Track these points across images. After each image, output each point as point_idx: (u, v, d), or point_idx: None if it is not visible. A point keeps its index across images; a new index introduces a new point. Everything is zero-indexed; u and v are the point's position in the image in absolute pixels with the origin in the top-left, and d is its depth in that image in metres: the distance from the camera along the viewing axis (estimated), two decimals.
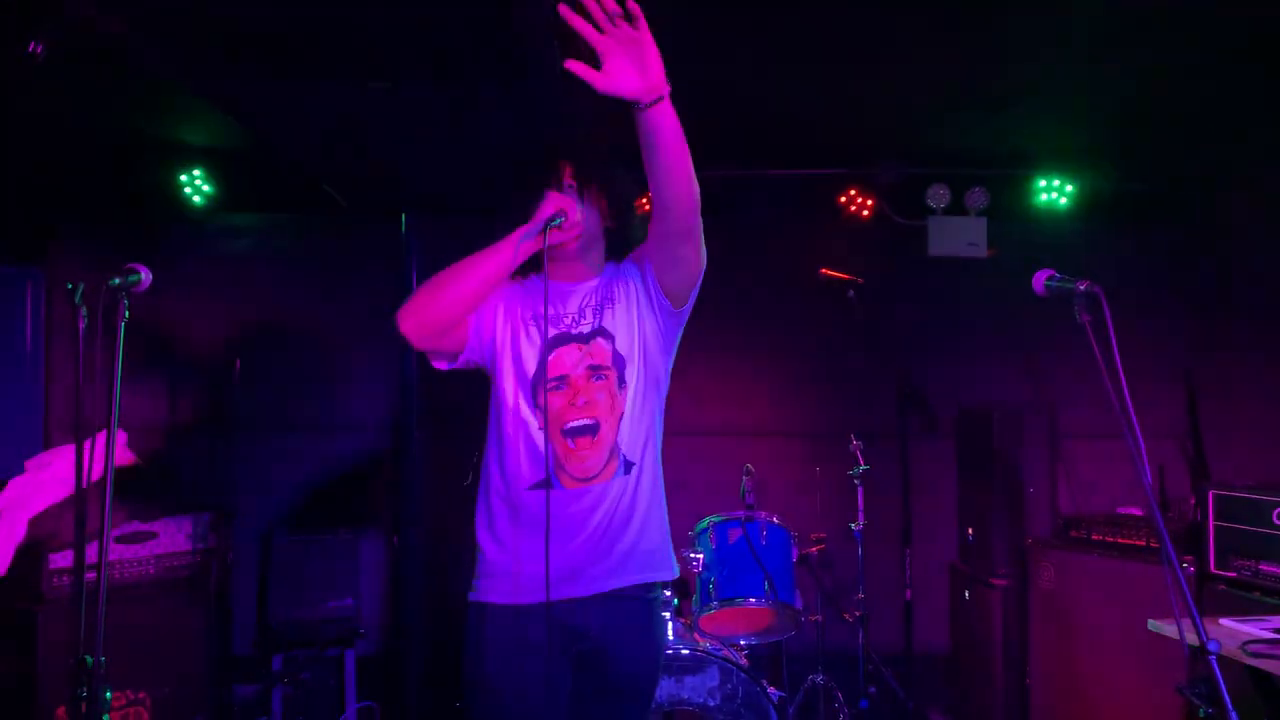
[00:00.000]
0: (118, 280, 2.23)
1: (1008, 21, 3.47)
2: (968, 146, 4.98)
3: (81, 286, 2.30)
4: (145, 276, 2.28)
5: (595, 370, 2.42)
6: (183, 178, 5.12)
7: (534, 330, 2.44)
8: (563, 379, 2.41)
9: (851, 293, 5.03)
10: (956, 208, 5.21)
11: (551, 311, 2.46)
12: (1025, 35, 3.60)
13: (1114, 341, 2.02)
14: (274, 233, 5.53)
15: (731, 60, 3.87)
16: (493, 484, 2.48)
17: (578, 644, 2.42)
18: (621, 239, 2.57)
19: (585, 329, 2.46)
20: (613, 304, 2.50)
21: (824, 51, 3.79)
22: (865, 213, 5.35)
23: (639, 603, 2.47)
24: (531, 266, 2.49)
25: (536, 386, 2.40)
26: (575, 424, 2.40)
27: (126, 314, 2.29)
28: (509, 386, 2.43)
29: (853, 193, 5.32)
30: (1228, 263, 5.30)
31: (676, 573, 2.56)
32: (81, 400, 2.32)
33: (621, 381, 2.44)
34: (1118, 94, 4.22)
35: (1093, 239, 5.42)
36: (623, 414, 2.42)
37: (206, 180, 5.15)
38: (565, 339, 2.45)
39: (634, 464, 2.44)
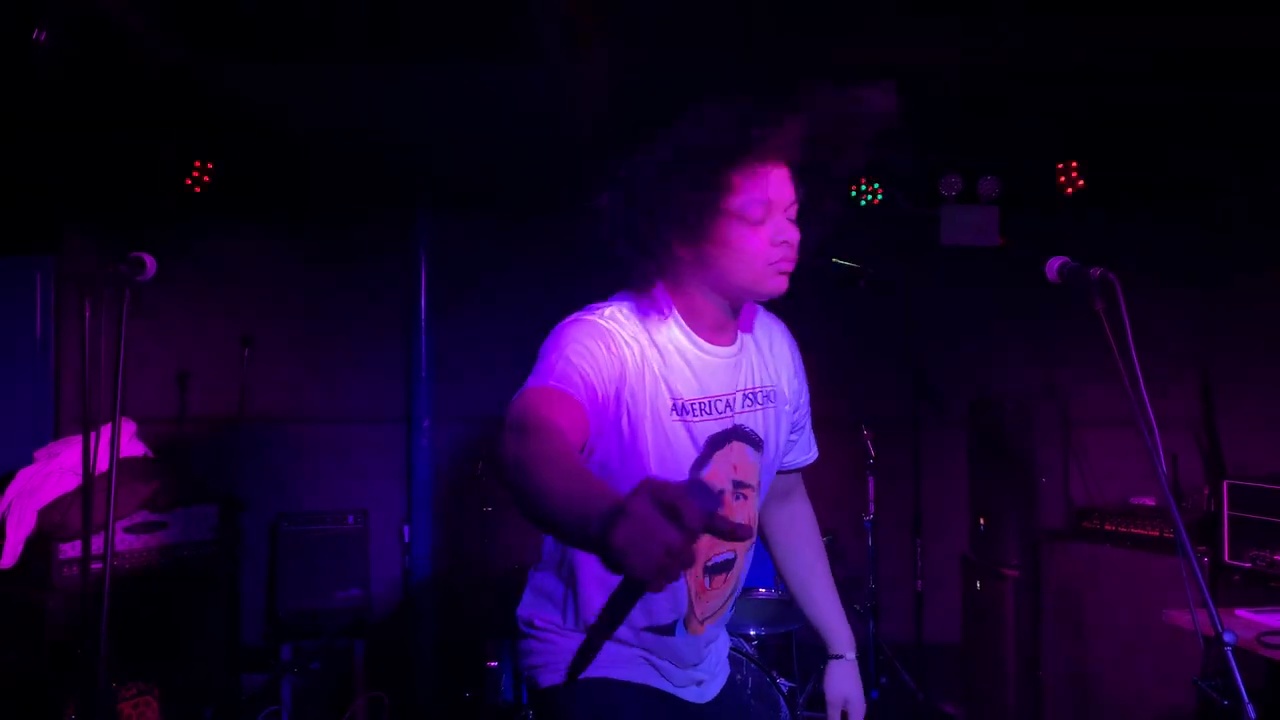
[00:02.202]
0: (122, 269, 2.21)
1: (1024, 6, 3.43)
2: (981, 134, 4.94)
3: (88, 276, 2.29)
4: (150, 265, 2.27)
5: (740, 488, 1.85)
6: (192, 167, 5.11)
7: (680, 426, 1.74)
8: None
9: (863, 281, 4.99)
10: (969, 196, 5.17)
11: (695, 398, 1.77)
12: (1039, 18, 3.56)
13: (1128, 330, 1.99)
14: (284, 223, 5.52)
15: (739, 42, 3.84)
16: (585, 607, 1.87)
17: None
18: None
19: (728, 424, 1.83)
20: (765, 397, 1.91)
21: (834, 36, 3.76)
22: (877, 201, 5.31)
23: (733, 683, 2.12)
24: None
25: None
26: (719, 559, 1.87)
27: (132, 303, 2.28)
28: None
29: (864, 180, 5.28)
30: (1244, 251, 5.25)
31: None
32: (89, 390, 2.31)
33: (759, 497, 1.95)
34: (1135, 82, 4.17)
35: (1107, 227, 5.36)
36: (753, 539, 1.93)
37: (216, 169, 5.13)
38: (715, 442, 1.80)
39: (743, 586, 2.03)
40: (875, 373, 5.37)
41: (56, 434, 5.23)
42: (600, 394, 1.63)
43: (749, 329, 1.92)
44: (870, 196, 5.28)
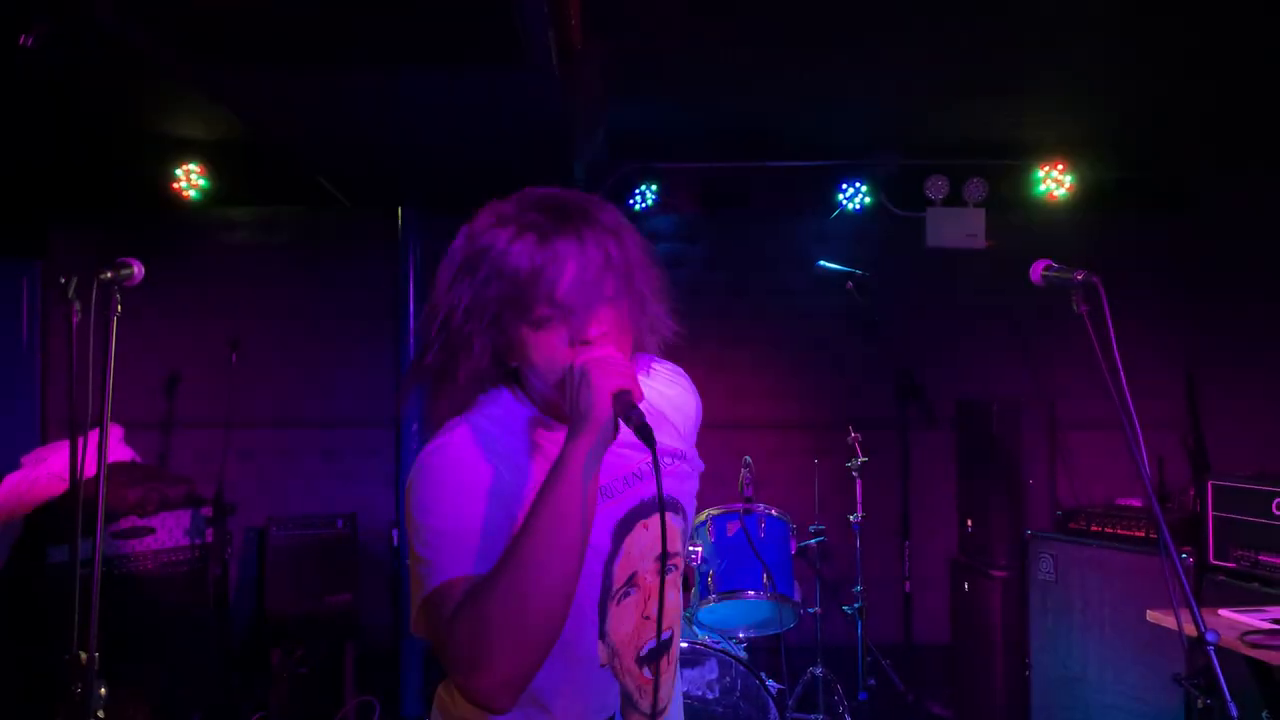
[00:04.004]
0: (109, 274, 2.22)
1: (1009, 10, 3.45)
2: (967, 137, 4.96)
3: (75, 280, 2.29)
4: (137, 270, 2.27)
5: (670, 558, 1.56)
6: (180, 171, 5.11)
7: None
8: (632, 580, 1.58)
9: (850, 284, 5.02)
10: (955, 199, 5.19)
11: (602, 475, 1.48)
12: (1026, 25, 3.58)
13: (1111, 332, 2.01)
14: (271, 226, 5.52)
15: (731, 51, 3.85)
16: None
17: None
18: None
19: (645, 495, 1.59)
20: (675, 456, 1.66)
21: (823, 41, 3.77)
22: (864, 204, 5.33)
23: None
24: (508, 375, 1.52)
25: (605, 602, 1.55)
26: (652, 644, 1.60)
27: (119, 308, 2.28)
28: None
29: (851, 184, 5.30)
30: (1228, 253, 5.29)
31: None
32: (76, 395, 2.31)
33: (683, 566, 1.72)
34: (1118, 84, 4.21)
35: (1092, 229, 5.40)
36: (682, 609, 1.75)
37: (203, 173, 5.13)
38: (631, 519, 1.58)
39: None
40: (863, 375, 5.40)
41: (44, 439, 5.21)
42: (492, 535, 1.40)
43: (646, 386, 1.60)
44: (857, 200, 5.30)
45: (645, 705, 1.61)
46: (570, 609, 1.37)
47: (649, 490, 1.57)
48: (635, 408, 1.37)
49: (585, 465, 1.36)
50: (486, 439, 1.48)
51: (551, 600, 1.33)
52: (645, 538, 1.58)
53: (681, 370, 1.76)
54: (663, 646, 1.62)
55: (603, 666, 1.56)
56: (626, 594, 1.57)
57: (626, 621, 1.57)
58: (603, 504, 1.50)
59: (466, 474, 1.44)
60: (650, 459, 1.39)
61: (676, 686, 1.72)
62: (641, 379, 1.51)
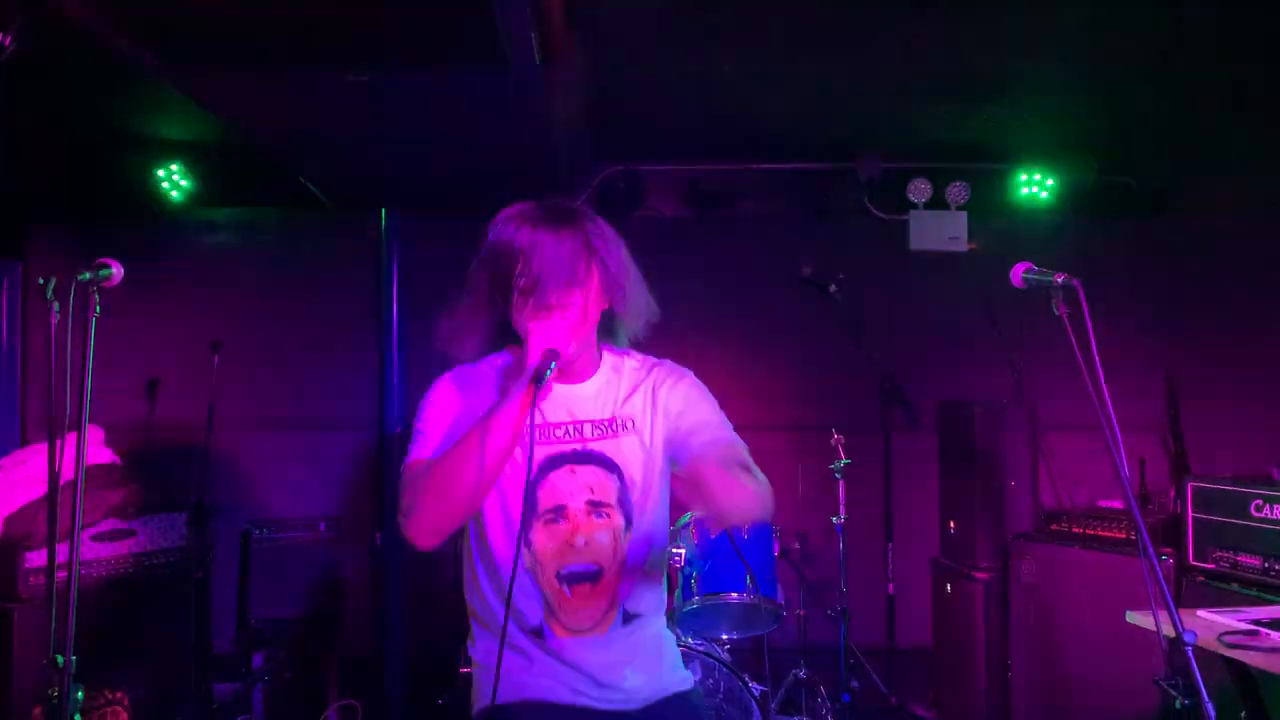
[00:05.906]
0: (88, 275, 2.20)
1: (992, 16, 3.47)
2: (949, 141, 4.99)
3: (53, 281, 2.27)
4: (116, 271, 2.25)
5: (596, 507, 2.04)
6: (162, 172, 5.09)
7: (518, 450, 1.96)
8: (559, 511, 2.04)
9: (833, 286, 5.03)
10: (937, 202, 5.21)
11: (537, 421, 1.98)
12: (1008, 30, 3.60)
13: (1091, 334, 2.02)
14: (254, 228, 5.50)
15: (716, 54, 3.86)
16: (491, 613, 2.09)
17: None
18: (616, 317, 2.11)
19: (577, 447, 2.05)
20: (620, 427, 2.09)
21: (806, 44, 3.78)
22: (847, 207, 5.34)
23: (681, 701, 2.16)
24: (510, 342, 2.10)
25: (529, 517, 2.02)
26: (574, 568, 2.04)
27: (98, 309, 2.26)
28: (494, 515, 2.03)
29: (834, 187, 5.31)
30: (1208, 256, 5.32)
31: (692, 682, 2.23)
32: (55, 397, 2.29)
33: (629, 524, 2.06)
34: (1100, 90, 4.23)
35: (1074, 232, 5.43)
36: (625, 562, 2.06)
37: (185, 175, 5.11)
38: (558, 460, 2.04)
39: (637, 615, 2.12)
40: (846, 377, 5.41)
41: (23, 441, 5.17)
42: (454, 436, 1.95)
43: (616, 370, 2.14)
44: (841, 202, 5.31)
45: (565, 620, 2.04)
46: (485, 494, 1.93)
47: (591, 448, 2.06)
48: (550, 364, 1.84)
49: (511, 400, 1.86)
50: (476, 377, 2.10)
51: (467, 484, 1.87)
52: (571, 480, 2.04)
53: (655, 358, 2.19)
54: (587, 575, 2.04)
55: (527, 569, 2.03)
56: (553, 519, 2.03)
57: (550, 540, 2.03)
58: (543, 443, 2.02)
59: (450, 396, 2.07)
60: (595, 427, 2.06)
61: (617, 636, 2.08)
62: (615, 359, 2.14)
